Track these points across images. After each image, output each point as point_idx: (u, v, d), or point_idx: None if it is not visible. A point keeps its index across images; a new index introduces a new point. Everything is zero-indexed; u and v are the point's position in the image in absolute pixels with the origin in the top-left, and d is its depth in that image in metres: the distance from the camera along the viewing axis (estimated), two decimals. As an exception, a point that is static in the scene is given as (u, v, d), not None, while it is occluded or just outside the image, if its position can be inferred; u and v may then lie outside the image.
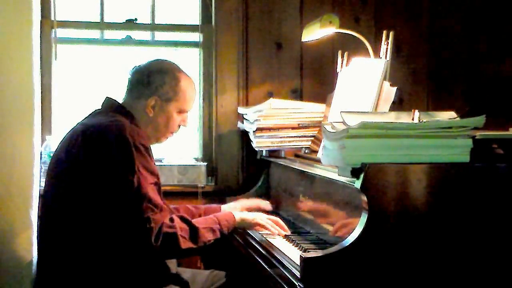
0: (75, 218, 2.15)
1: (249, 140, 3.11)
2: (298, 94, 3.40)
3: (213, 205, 2.75)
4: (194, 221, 2.25)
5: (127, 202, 2.11)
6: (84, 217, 2.14)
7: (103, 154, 2.14)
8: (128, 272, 2.16)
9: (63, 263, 2.17)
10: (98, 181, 2.13)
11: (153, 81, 2.36)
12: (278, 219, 2.51)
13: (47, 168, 2.42)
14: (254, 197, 3.13)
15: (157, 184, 2.22)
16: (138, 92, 2.37)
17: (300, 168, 2.57)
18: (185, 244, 2.17)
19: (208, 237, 2.25)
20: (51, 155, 2.43)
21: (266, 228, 2.44)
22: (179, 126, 2.45)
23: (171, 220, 2.18)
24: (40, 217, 2.32)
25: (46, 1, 3.23)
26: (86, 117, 2.38)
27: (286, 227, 2.48)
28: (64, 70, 3.35)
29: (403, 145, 1.88)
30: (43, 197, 2.33)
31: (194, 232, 2.20)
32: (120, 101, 2.40)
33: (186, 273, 2.43)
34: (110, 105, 2.37)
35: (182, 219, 2.22)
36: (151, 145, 2.29)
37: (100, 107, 2.40)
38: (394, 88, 2.31)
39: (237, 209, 2.60)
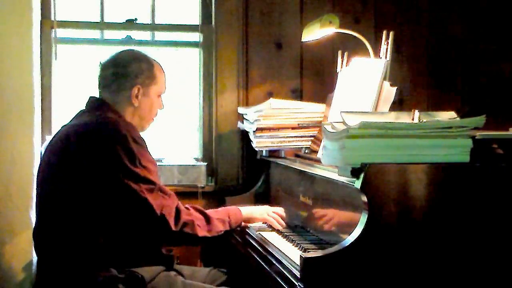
0: (78, 219, 2.15)
1: (249, 140, 3.10)
2: (298, 94, 3.40)
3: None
4: (206, 211, 2.32)
5: (140, 193, 2.13)
6: (88, 218, 2.14)
7: (104, 151, 2.14)
8: (131, 269, 2.17)
9: (64, 263, 2.16)
10: (103, 179, 2.13)
11: (131, 70, 2.35)
12: (281, 210, 2.62)
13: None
14: (254, 196, 3.14)
15: (156, 172, 2.26)
16: (117, 85, 2.35)
17: (300, 168, 2.57)
18: (202, 232, 2.24)
19: (220, 227, 2.32)
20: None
21: (271, 223, 2.55)
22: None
23: (187, 208, 2.25)
24: (37, 222, 2.30)
25: (46, 1, 3.23)
26: (72, 119, 2.36)
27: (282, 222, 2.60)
28: (64, 70, 3.35)
29: (403, 145, 1.88)
30: (38, 203, 2.31)
31: (208, 221, 2.28)
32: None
33: (185, 270, 2.43)
34: (94, 104, 2.36)
35: (196, 209, 2.29)
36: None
37: (85, 107, 2.39)
38: (394, 88, 2.31)
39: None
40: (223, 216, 2.35)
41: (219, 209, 2.44)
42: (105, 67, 2.39)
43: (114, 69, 2.36)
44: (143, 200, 2.13)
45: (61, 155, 2.22)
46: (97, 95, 2.39)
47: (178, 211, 2.19)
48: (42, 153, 3.03)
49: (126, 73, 2.35)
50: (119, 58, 2.39)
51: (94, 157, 2.14)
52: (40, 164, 2.37)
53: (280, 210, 2.63)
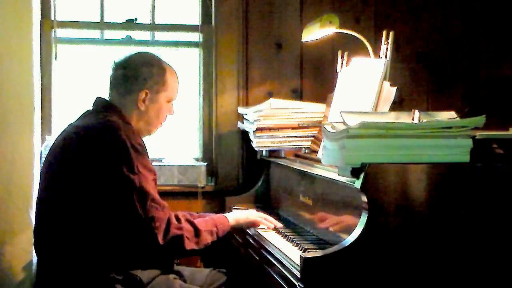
0: (76, 221, 2.14)
1: (249, 140, 3.11)
2: (298, 94, 3.40)
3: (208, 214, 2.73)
4: (196, 222, 2.29)
5: (131, 202, 2.12)
6: (86, 220, 2.14)
7: (101, 156, 2.13)
8: (129, 271, 2.16)
9: (64, 264, 2.16)
10: (99, 183, 2.13)
11: (140, 74, 2.33)
12: (267, 216, 2.62)
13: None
14: (254, 196, 3.15)
15: (154, 180, 2.24)
16: (126, 87, 2.34)
17: (300, 168, 2.57)
18: (189, 245, 2.22)
19: (208, 239, 2.30)
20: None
21: (261, 223, 2.56)
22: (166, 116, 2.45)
23: (178, 220, 2.22)
24: (37, 222, 2.30)
25: (46, 1, 3.24)
26: (77, 119, 2.35)
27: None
28: (64, 70, 3.35)
29: (403, 145, 1.88)
30: (38, 203, 2.30)
31: (197, 234, 2.26)
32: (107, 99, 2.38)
33: (185, 271, 2.43)
34: (100, 104, 2.35)
35: (187, 219, 2.26)
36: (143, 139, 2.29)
37: (91, 107, 2.38)
38: (394, 88, 2.31)
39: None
40: (211, 227, 2.33)
41: (207, 218, 2.40)
42: (116, 67, 2.38)
43: (124, 70, 2.35)
44: (134, 209, 2.12)
45: (62, 156, 2.22)
46: (106, 95, 2.39)
47: (168, 225, 2.16)
48: (45, 153, 3.05)
49: (135, 76, 2.33)
50: (131, 60, 2.38)
51: (92, 160, 2.14)
52: (43, 164, 2.37)
53: (265, 215, 2.62)
